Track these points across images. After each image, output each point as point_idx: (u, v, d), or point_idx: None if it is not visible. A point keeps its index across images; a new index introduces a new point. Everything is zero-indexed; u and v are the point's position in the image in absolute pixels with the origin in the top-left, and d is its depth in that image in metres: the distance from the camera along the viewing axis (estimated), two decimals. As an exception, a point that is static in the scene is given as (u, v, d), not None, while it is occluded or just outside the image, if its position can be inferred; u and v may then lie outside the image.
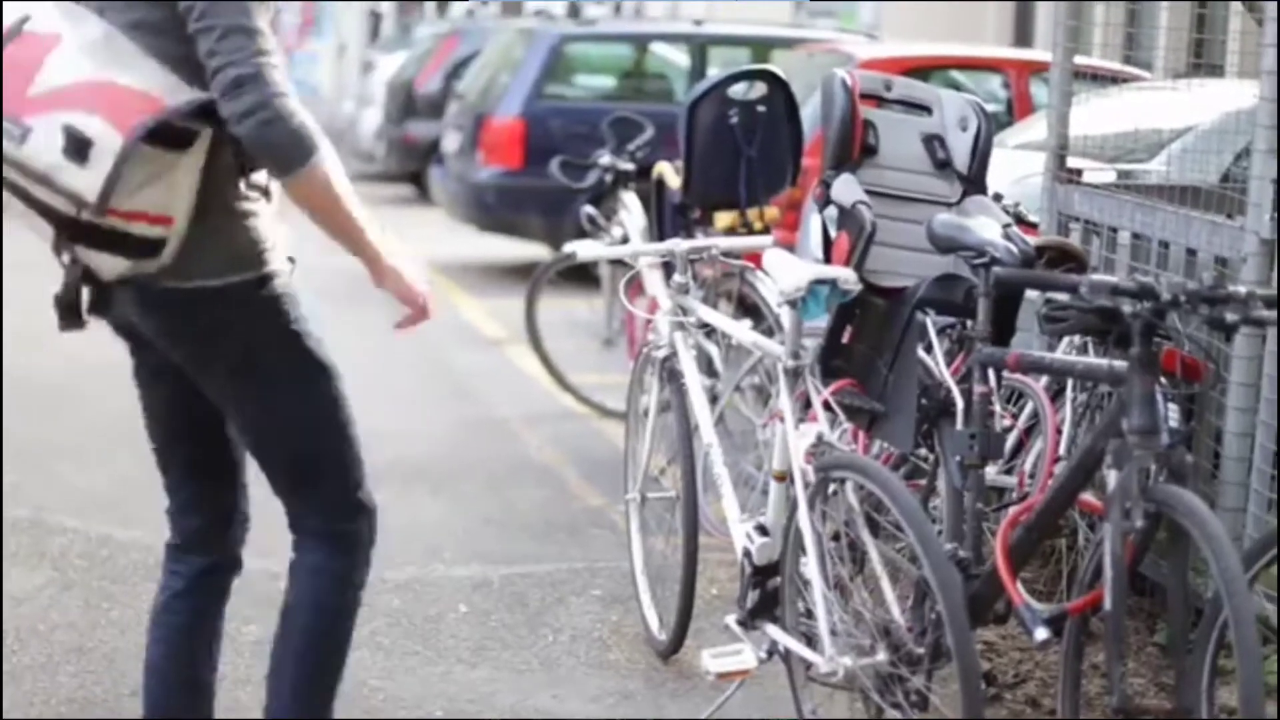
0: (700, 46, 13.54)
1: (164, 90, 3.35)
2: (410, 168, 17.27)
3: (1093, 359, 4.88)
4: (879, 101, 4.94)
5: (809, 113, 7.23)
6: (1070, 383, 5.30)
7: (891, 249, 4.71)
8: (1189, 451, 4.61)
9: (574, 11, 23.97)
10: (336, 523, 3.85)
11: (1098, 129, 6.52)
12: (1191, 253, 5.25)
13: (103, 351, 9.45)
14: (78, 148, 3.26)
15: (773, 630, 4.63)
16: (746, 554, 4.77)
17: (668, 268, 6.16)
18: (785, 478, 4.65)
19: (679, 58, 13.84)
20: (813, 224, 4.98)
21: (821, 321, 4.75)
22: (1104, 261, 5.74)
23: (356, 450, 3.87)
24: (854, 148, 4.79)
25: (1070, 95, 6.18)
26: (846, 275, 4.47)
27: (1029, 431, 5.31)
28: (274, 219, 3.67)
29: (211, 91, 3.35)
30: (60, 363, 9.24)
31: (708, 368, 7.01)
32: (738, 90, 6.94)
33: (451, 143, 13.30)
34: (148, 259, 3.44)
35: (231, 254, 3.56)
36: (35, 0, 3.42)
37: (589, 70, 13.76)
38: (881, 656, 4.19)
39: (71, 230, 3.40)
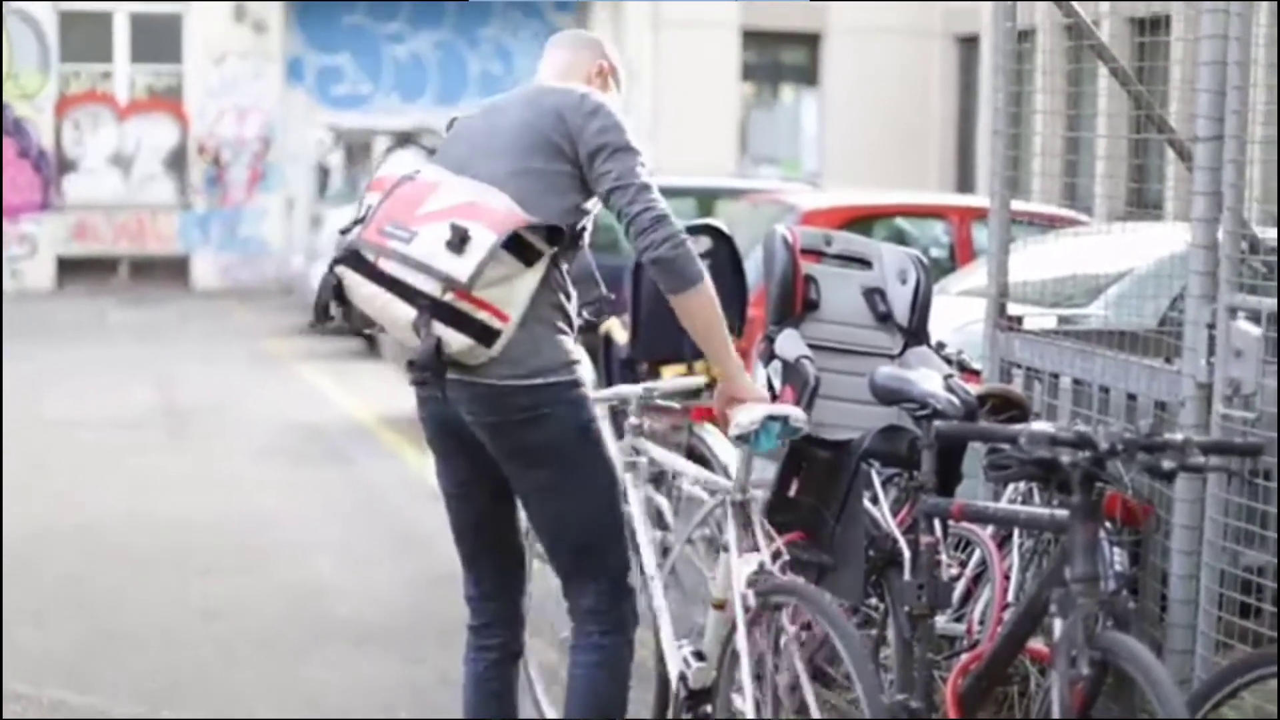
0: (646, 197, 13.67)
1: (525, 213, 4.35)
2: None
3: (1035, 509, 4.94)
4: (820, 256, 5.03)
5: (753, 263, 7.33)
6: (1016, 529, 5.35)
7: (835, 402, 4.79)
8: (1135, 596, 4.66)
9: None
10: (610, 603, 4.62)
11: (1037, 274, 6.63)
12: (1132, 397, 5.34)
13: (60, 516, 9.44)
14: (460, 240, 4.25)
15: None
16: (682, 678, 4.98)
17: (615, 417, 6.24)
18: (723, 606, 4.84)
19: (626, 209, 13.97)
20: (758, 377, 5.05)
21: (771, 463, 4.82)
22: (1046, 407, 5.82)
23: (626, 541, 4.68)
24: (796, 303, 4.88)
25: (1008, 244, 6.29)
26: (798, 414, 4.59)
27: (977, 579, 5.36)
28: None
29: (632, 229, 4.42)
30: (12, 525, 9.23)
31: (658, 520, 7.05)
32: (682, 245, 7.00)
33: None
34: (483, 345, 4.32)
35: (549, 358, 4.45)
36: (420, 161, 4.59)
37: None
38: None
39: (433, 309, 4.28)
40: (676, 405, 6.63)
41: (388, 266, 4.34)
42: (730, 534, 4.80)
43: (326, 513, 9.79)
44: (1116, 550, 4.58)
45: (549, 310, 4.46)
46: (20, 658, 6.90)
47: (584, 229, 4.54)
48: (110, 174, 24.12)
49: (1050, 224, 8.31)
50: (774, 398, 4.84)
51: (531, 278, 4.38)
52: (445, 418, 4.57)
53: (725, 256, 7.04)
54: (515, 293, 4.34)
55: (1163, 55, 6.33)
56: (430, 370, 4.29)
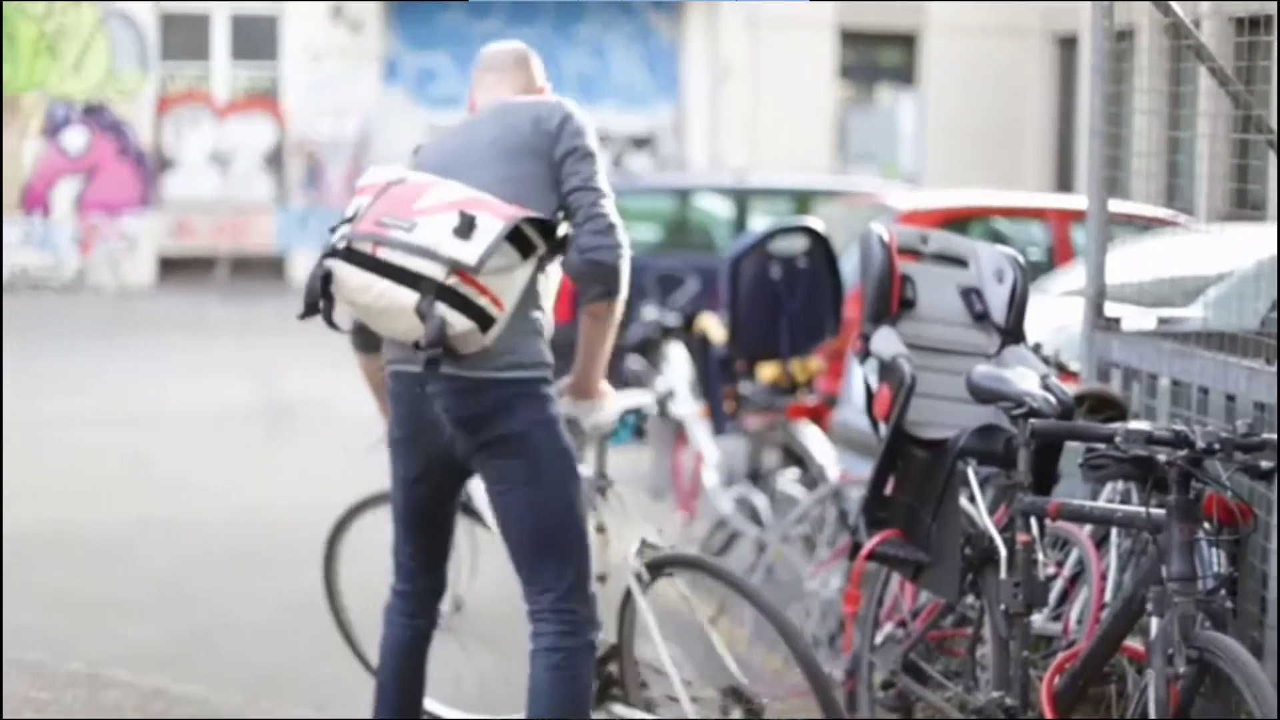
0: (742, 198, 13.72)
1: (523, 208, 4.54)
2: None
3: (1132, 507, 4.92)
4: (916, 256, 5.03)
5: (850, 263, 7.34)
6: (1114, 528, 5.33)
7: (932, 400, 4.79)
8: (1233, 597, 4.63)
9: (616, 163, 24.25)
10: (571, 604, 4.69)
11: (1136, 275, 6.59)
12: (1231, 398, 5.30)
13: (160, 510, 9.57)
14: (467, 226, 4.41)
15: (618, 708, 5.21)
16: None
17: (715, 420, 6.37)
18: (604, 579, 5.12)
19: (721, 209, 14.01)
20: (855, 376, 5.07)
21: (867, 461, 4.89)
22: (1144, 408, 5.79)
23: (588, 544, 4.77)
24: (892, 302, 4.88)
25: (1106, 244, 6.25)
26: (646, 402, 5.25)
27: (1075, 578, 5.34)
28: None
29: (588, 226, 4.61)
30: (113, 519, 9.37)
31: (753, 517, 7.08)
32: (779, 245, 7.05)
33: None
34: (481, 331, 4.45)
35: (525, 355, 4.64)
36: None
37: (632, 222, 13.91)
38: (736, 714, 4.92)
39: (437, 292, 4.40)
40: (774, 403, 6.66)
41: (387, 254, 4.47)
42: (606, 518, 5.23)
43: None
44: (1215, 551, 4.55)
45: (533, 310, 4.67)
46: (120, 646, 7.02)
47: (566, 232, 4.69)
48: (209, 172, 24.36)
49: (1149, 224, 8.26)
50: (870, 396, 4.86)
51: (526, 271, 4.56)
52: (420, 411, 4.76)
53: (821, 256, 7.08)
54: (513, 283, 4.52)
55: (1263, 55, 6.27)
56: (439, 348, 4.41)
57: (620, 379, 8.84)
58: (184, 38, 24.17)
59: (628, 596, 5.15)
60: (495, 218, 4.45)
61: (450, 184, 4.60)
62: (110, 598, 7.77)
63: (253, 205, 24.30)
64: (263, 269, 24.22)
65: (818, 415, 7.95)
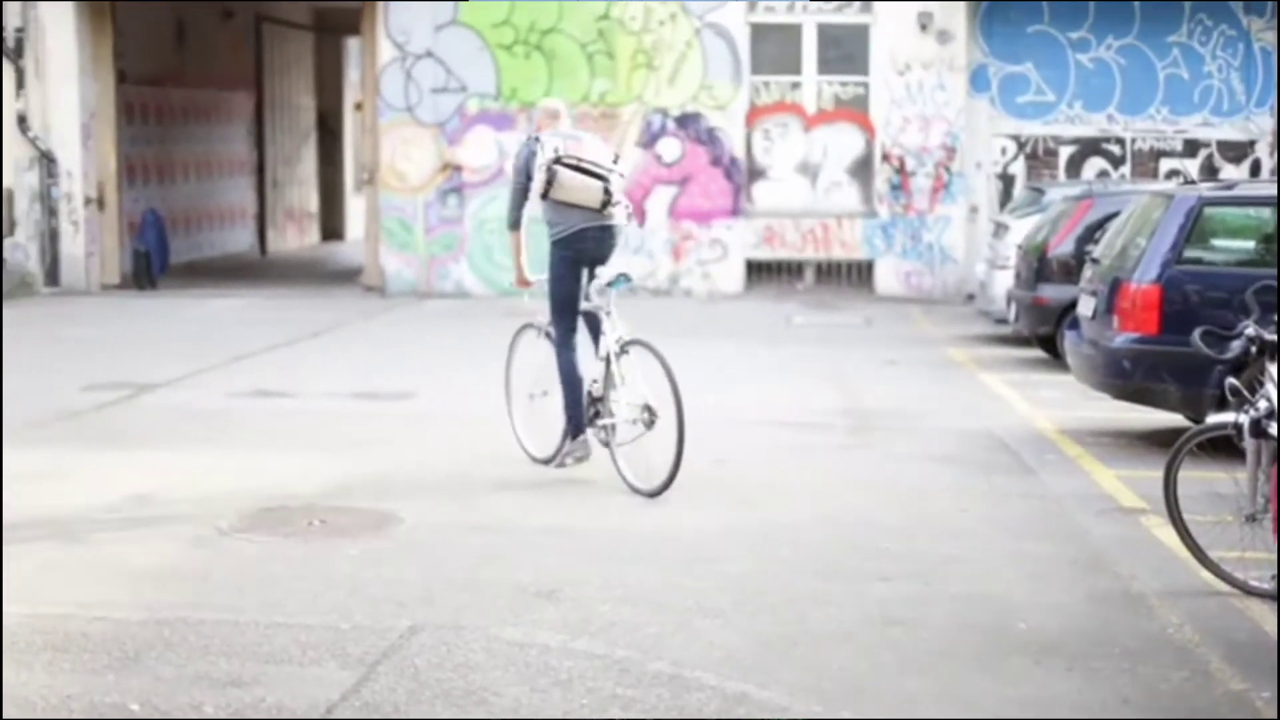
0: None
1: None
2: (1041, 331, 17.15)
3: None
4: None
5: None
6: None
7: None
8: None
9: (1211, 172, 23.41)
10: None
11: None
12: None
13: (744, 514, 9.71)
14: (615, 159, 10.81)
15: (599, 420, 10.58)
16: (589, 393, 10.64)
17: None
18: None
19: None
20: None
21: None
22: None
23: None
24: None
25: None
26: (628, 270, 10.64)
27: None
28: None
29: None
30: (700, 520, 9.55)
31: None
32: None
33: (1085, 307, 13.14)
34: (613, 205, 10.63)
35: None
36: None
37: (1229, 235, 13.35)
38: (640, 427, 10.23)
39: (607, 182, 10.50)
40: None
41: (586, 165, 10.42)
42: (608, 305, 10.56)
43: (1005, 523, 9.71)
44: None
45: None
46: (705, 649, 7.12)
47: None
48: (797, 182, 24.71)
49: None
50: None
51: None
52: (587, 242, 10.56)
53: None
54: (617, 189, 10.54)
55: None
56: (610, 206, 10.48)
57: (1215, 396, 8.45)
58: (774, 49, 24.60)
59: (608, 362, 10.53)
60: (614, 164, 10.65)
61: (589, 147, 10.67)
62: (697, 599, 7.90)
63: (839, 214, 24.53)
64: (848, 276, 24.42)
65: None
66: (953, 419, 13.49)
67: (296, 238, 34.59)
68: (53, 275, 24.54)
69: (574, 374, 10.60)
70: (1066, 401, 14.14)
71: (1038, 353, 17.48)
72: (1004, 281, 18.56)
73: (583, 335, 10.75)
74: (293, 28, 34.34)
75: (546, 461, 10.96)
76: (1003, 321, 18.74)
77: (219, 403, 14.10)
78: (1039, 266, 17.14)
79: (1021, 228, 18.88)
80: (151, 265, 25.43)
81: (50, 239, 24.56)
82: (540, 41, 24.46)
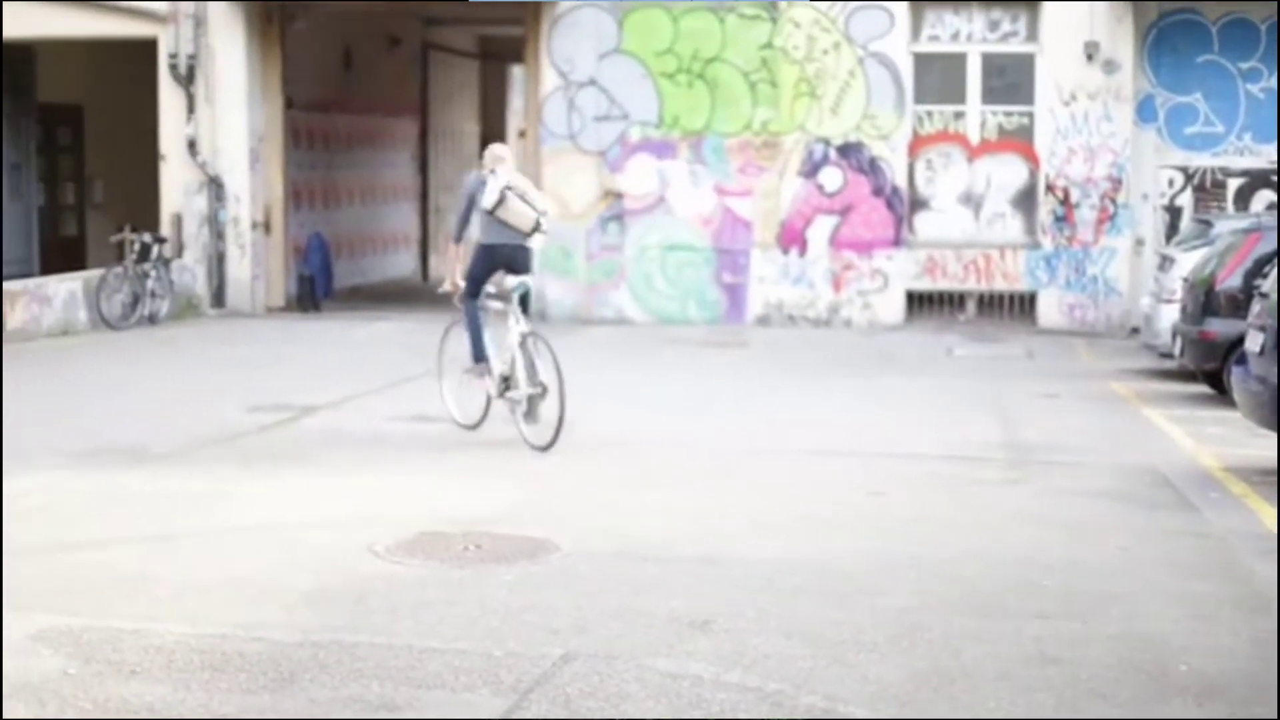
0: None
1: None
2: (1207, 366, 16.86)
3: None
4: None
5: None
6: None
7: None
8: None
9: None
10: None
11: None
12: None
13: (899, 547, 9.61)
14: (541, 199, 14.03)
15: (508, 394, 13.41)
16: (502, 374, 13.52)
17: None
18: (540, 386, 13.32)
19: None
20: None
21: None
22: None
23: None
24: None
25: None
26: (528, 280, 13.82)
27: None
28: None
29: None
30: (854, 552, 9.47)
31: None
32: None
33: (1253, 343, 12.88)
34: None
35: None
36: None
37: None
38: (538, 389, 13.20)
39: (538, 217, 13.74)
40: None
41: (529, 200, 13.53)
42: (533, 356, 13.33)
43: (1167, 561, 9.52)
44: None
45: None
46: (859, 683, 7.05)
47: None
48: (960, 212, 24.52)
49: None
50: None
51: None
52: (506, 258, 13.71)
53: None
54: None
55: None
56: (535, 233, 13.54)
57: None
58: (938, 79, 24.45)
59: (514, 350, 13.42)
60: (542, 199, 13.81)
61: (531, 190, 13.70)
62: (852, 632, 7.82)
63: (1002, 245, 24.30)
64: (1009, 308, 24.19)
65: None
66: (1114, 454, 13.29)
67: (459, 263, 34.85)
68: (219, 298, 24.95)
69: (475, 323, 13.89)
70: (1232, 438, 13.88)
71: (1203, 388, 17.18)
72: (1169, 315, 18.28)
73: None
74: (458, 55, 34.68)
75: (472, 427, 13.80)
76: (1168, 356, 18.45)
77: (378, 426, 14.24)
78: (1205, 300, 16.86)
79: (1188, 261, 18.58)
80: (315, 289, 25.77)
81: (217, 262, 24.98)
82: (703, 70, 24.50)
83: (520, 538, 9.74)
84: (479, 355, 13.86)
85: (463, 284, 14.01)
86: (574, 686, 6.86)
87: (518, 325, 13.47)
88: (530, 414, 13.28)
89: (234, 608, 8.08)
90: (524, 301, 13.54)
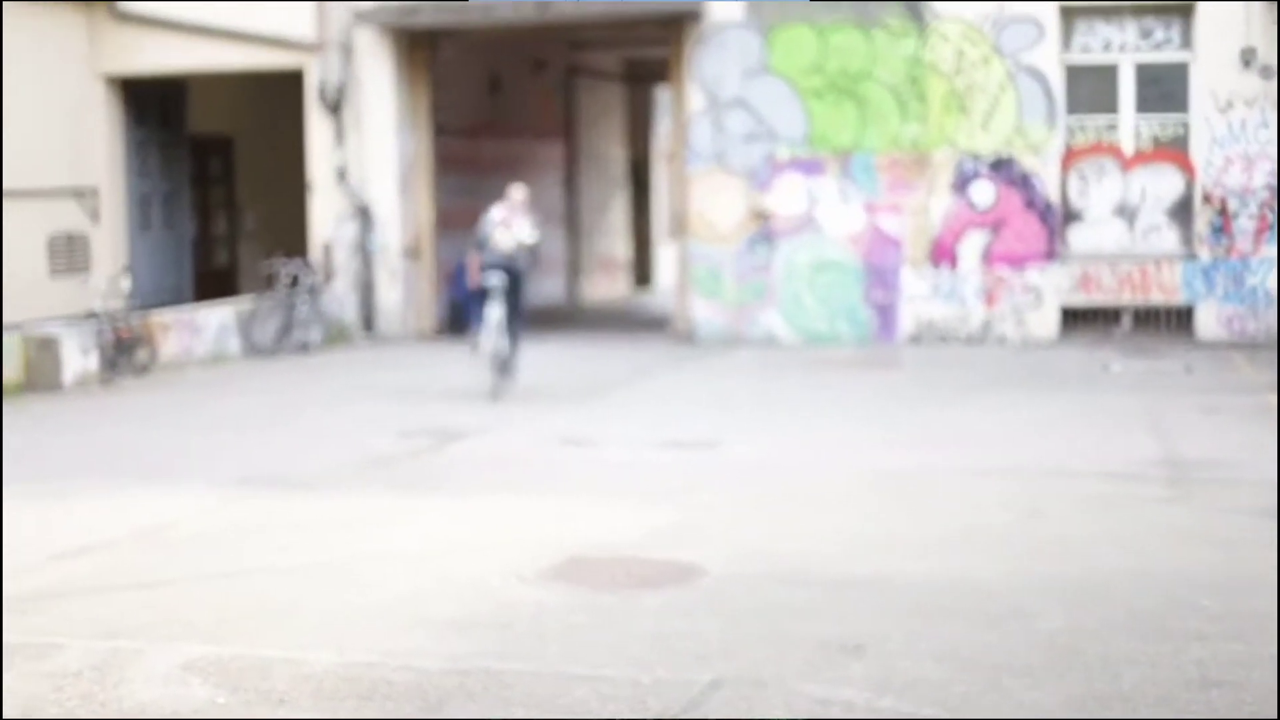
0: None
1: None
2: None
3: None
4: None
5: None
6: None
7: None
8: None
9: None
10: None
11: None
12: None
13: (1056, 567, 9.42)
14: (527, 229, 18.35)
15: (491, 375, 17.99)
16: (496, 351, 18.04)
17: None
18: None
19: None
20: None
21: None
22: None
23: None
24: None
25: None
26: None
27: None
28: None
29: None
30: (1007, 573, 9.29)
31: None
32: None
33: None
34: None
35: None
36: None
37: None
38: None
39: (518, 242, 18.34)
40: None
41: (514, 229, 17.98)
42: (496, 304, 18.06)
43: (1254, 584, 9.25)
44: None
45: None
46: (1015, 710, 6.88)
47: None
48: (1114, 225, 24.12)
49: None
50: None
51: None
52: (494, 265, 17.97)
53: None
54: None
55: None
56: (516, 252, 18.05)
57: None
58: (1090, 90, 24.08)
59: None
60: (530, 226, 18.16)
61: (519, 222, 18.16)
62: (1007, 656, 7.66)
63: (1158, 257, 23.88)
64: (1166, 322, 23.76)
65: None
66: (1275, 470, 12.96)
67: (607, 286, 34.93)
68: (369, 324, 25.15)
69: (482, 313, 18.02)
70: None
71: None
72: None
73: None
74: (603, 78, 34.75)
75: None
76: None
77: (526, 450, 14.23)
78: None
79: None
80: (466, 314, 25.88)
81: (367, 289, 25.18)
82: (850, 87, 24.33)
83: (667, 562, 9.66)
84: (475, 329, 18.67)
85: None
86: (723, 713, 6.76)
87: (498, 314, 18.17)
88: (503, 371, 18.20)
89: (382, 635, 8.07)
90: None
